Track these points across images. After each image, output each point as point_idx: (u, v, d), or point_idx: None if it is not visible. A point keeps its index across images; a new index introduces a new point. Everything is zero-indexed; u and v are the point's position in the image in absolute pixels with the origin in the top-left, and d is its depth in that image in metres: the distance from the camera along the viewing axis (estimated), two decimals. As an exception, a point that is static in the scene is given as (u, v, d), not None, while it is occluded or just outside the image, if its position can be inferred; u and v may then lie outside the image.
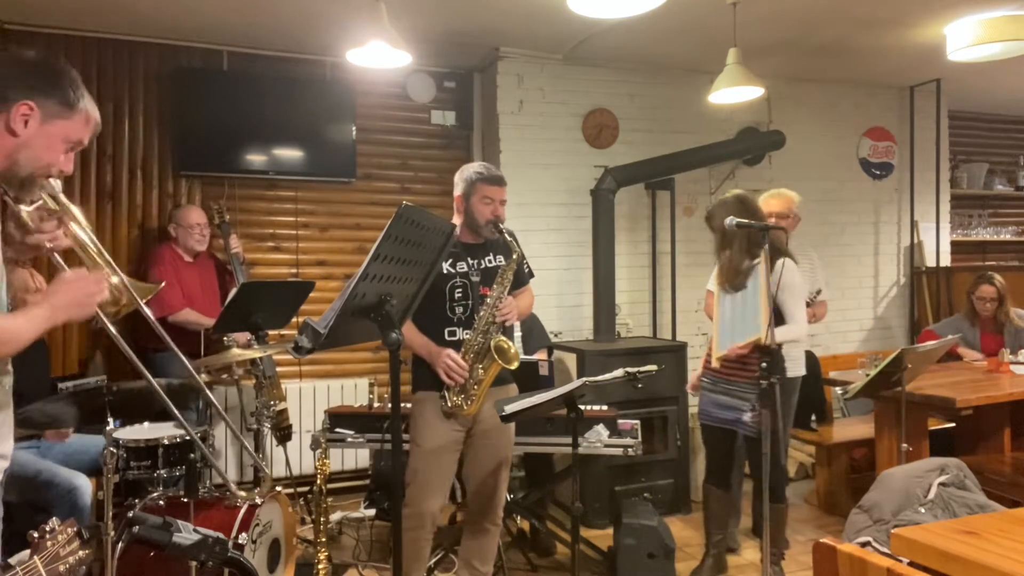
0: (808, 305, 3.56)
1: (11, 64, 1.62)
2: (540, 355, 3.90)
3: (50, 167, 1.63)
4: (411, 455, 2.77)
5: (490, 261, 2.83)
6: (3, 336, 1.52)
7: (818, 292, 3.78)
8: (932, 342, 3.40)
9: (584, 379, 2.75)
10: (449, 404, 2.70)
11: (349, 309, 1.80)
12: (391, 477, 2.08)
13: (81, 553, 1.34)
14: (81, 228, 1.73)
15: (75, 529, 1.35)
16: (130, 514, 1.43)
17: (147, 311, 1.86)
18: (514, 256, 2.76)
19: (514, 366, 2.73)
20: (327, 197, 4.89)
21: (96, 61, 4.39)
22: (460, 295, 2.75)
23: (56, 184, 1.70)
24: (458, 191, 2.82)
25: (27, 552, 1.31)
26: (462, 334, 2.75)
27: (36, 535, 1.30)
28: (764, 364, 2.77)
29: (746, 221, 2.88)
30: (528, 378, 3.24)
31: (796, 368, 3.55)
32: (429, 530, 2.75)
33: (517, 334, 4.02)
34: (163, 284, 3.29)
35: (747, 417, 3.13)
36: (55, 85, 1.60)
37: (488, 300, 2.72)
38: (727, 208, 3.08)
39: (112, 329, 1.75)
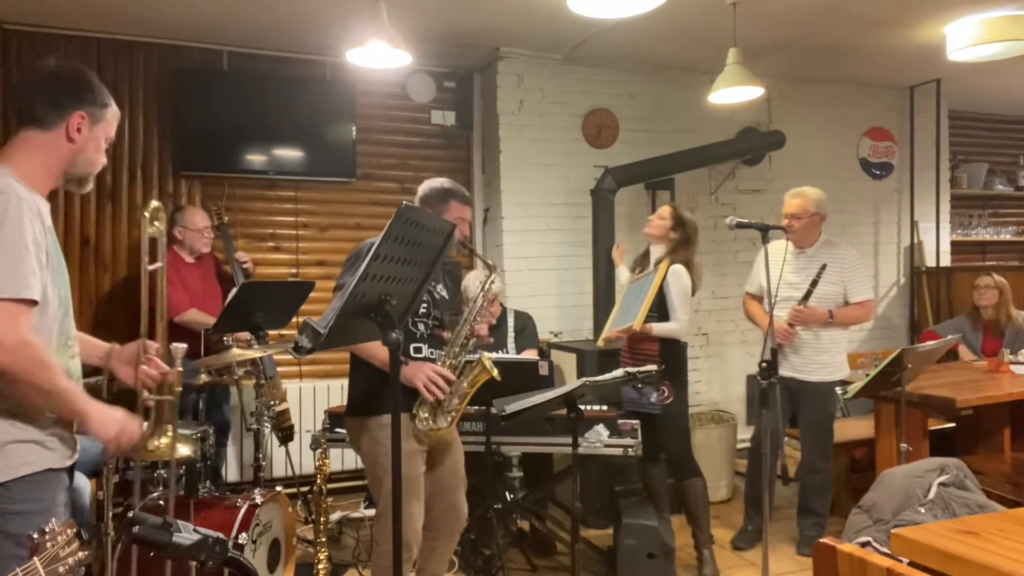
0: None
1: (59, 78, 1.75)
2: (529, 354, 3.89)
3: (99, 165, 1.81)
4: (385, 487, 2.44)
5: (440, 291, 2.71)
6: (39, 371, 1.60)
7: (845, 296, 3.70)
8: (932, 342, 3.39)
9: (584, 379, 2.75)
10: (424, 424, 2.47)
11: (349, 309, 1.80)
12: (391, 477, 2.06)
13: (80, 554, 1.33)
14: None
15: (74, 530, 1.35)
16: (130, 514, 1.43)
17: None
18: (493, 274, 2.60)
19: (496, 375, 2.55)
20: (327, 197, 4.89)
21: (96, 61, 4.38)
22: (423, 311, 2.60)
23: None
24: (424, 205, 2.62)
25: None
26: (427, 351, 2.58)
27: (35, 536, 1.30)
28: (763, 364, 2.78)
29: (746, 221, 2.99)
30: (528, 378, 3.23)
31: (838, 372, 3.70)
32: (415, 552, 2.62)
33: (510, 334, 4.01)
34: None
35: (654, 398, 3.38)
36: (94, 92, 1.77)
37: (465, 312, 2.59)
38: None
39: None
